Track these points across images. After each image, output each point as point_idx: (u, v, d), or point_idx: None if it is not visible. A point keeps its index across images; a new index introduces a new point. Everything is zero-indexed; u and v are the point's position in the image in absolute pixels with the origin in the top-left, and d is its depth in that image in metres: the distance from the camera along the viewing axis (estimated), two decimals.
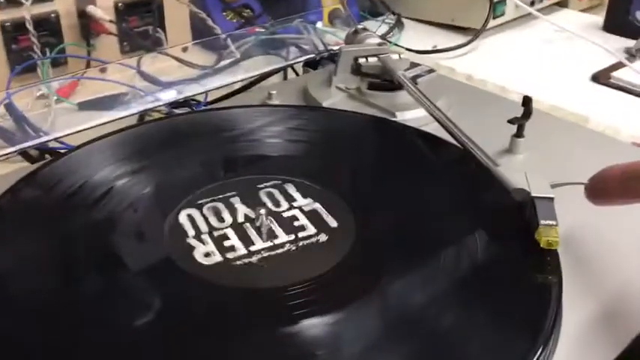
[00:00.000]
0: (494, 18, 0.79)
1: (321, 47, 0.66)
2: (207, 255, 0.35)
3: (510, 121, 0.47)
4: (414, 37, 0.80)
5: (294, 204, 0.39)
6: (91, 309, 0.31)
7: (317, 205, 0.39)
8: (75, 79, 0.65)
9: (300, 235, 0.36)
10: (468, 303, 0.32)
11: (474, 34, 0.78)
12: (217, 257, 0.34)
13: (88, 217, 0.37)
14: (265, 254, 0.35)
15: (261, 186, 0.40)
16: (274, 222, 0.37)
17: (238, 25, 0.76)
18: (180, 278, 0.33)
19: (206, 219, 0.37)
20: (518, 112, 0.48)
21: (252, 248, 0.35)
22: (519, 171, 0.38)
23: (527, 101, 0.46)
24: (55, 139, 0.52)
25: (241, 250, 0.35)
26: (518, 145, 0.48)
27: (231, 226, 0.37)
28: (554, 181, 0.36)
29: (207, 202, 0.39)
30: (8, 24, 0.63)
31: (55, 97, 0.61)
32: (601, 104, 0.64)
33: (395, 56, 0.55)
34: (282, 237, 0.36)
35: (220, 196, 0.39)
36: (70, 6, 0.67)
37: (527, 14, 0.84)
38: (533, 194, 0.35)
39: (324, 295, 0.32)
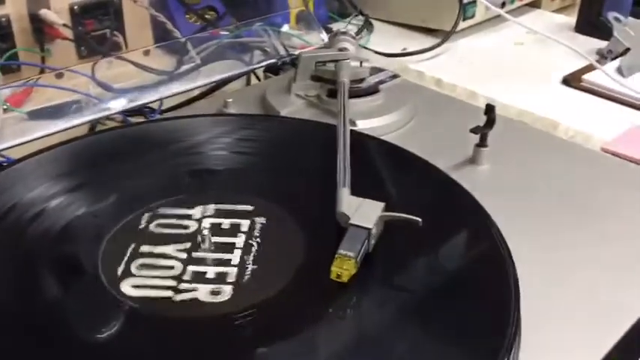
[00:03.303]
0: (464, 20, 0.77)
1: (282, 52, 0.64)
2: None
3: (473, 131, 0.45)
4: (384, 39, 0.78)
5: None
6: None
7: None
8: (27, 86, 0.62)
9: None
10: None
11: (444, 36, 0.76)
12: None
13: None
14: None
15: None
16: (216, 245, 0.35)
17: (200, 28, 0.73)
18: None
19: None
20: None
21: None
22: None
23: (489, 109, 0.44)
24: None
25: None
26: (481, 156, 0.46)
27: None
28: (396, 215, 0.34)
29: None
30: None
31: (5, 106, 0.58)
32: (572, 108, 0.63)
33: (355, 63, 0.53)
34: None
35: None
36: (22, 9, 0.64)
37: (498, 15, 0.83)
38: (352, 222, 0.33)
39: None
